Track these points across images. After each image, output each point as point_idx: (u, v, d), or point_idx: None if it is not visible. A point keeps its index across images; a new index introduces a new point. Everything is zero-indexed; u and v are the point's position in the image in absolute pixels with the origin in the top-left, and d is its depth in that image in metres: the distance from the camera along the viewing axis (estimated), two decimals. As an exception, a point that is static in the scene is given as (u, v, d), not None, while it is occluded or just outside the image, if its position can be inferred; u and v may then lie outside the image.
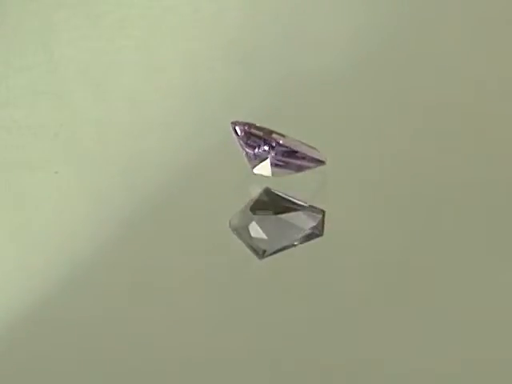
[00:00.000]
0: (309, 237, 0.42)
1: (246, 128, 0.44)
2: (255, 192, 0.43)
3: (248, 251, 0.42)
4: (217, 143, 0.46)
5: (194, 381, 0.39)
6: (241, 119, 0.45)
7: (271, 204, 0.42)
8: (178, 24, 0.51)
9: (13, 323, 0.41)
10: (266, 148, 0.44)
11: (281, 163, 0.44)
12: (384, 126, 0.47)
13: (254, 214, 0.42)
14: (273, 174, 0.44)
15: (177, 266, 0.42)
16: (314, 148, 0.44)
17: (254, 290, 0.42)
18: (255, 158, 0.45)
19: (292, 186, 0.44)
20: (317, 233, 0.42)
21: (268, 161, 0.44)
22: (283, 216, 0.42)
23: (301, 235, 0.42)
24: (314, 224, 0.42)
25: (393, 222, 0.43)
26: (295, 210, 0.42)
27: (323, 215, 0.42)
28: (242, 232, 0.42)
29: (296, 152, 0.44)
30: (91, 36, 0.50)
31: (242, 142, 0.44)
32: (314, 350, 0.39)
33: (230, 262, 0.42)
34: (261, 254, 0.42)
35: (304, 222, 0.42)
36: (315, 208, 0.42)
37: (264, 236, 0.42)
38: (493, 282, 0.41)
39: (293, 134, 0.44)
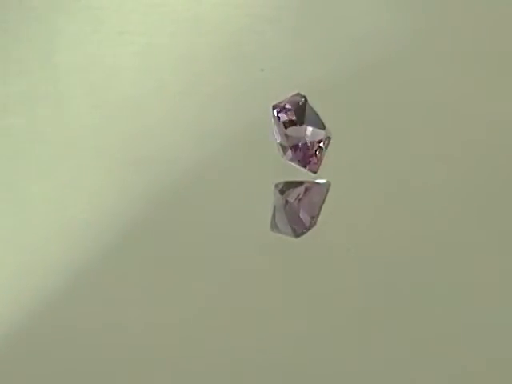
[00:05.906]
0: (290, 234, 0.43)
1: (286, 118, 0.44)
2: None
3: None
4: (219, 149, 0.46)
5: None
6: (244, 125, 0.45)
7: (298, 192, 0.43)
8: (179, 30, 0.51)
9: (11, 330, 0.41)
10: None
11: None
12: (385, 135, 0.47)
13: (280, 193, 0.43)
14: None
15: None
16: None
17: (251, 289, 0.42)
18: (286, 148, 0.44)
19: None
20: (296, 233, 0.43)
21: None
22: (287, 206, 0.43)
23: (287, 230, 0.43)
24: (302, 227, 0.42)
25: (390, 230, 0.43)
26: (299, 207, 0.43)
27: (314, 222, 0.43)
28: None
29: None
30: (91, 42, 0.50)
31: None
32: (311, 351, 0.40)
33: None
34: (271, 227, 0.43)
35: (297, 221, 0.43)
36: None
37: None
38: (492, 292, 0.42)
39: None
